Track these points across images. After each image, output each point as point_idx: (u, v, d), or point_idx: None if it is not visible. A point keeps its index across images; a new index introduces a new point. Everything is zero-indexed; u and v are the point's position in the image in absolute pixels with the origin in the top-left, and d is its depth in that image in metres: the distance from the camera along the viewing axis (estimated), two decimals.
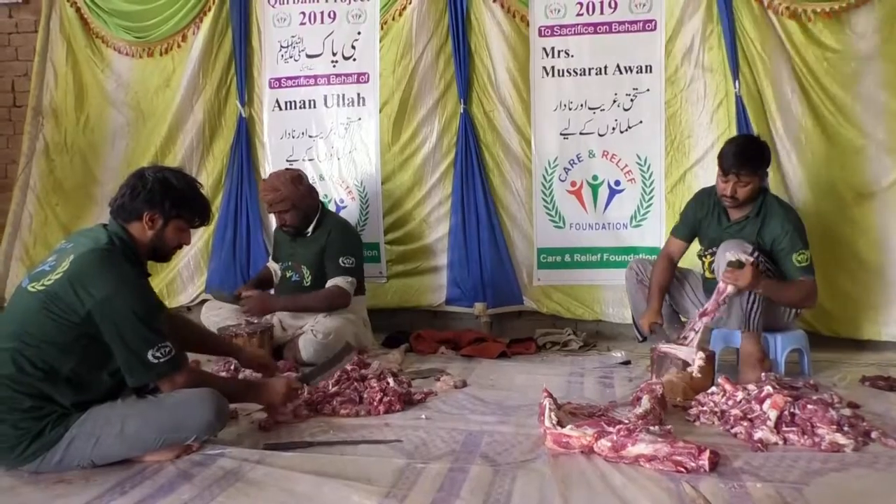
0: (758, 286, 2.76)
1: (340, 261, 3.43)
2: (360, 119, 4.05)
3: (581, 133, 3.84)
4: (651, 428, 2.09)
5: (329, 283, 3.43)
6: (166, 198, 2.09)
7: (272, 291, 3.72)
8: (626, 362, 3.30)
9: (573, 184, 3.88)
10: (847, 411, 2.31)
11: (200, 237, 4.22)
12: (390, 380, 2.64)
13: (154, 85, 4.21)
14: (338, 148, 4.09)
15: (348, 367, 2.74)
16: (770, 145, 3.53)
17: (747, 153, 2.91)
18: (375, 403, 2.49)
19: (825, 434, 2.13)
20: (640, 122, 3.78)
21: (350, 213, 4.06)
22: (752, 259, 2.71)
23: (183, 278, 4.26)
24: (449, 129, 3.94)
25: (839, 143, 3.50)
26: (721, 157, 2.97)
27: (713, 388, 2.53)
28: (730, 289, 2.77)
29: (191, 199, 2.14)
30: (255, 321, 3.46)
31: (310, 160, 4.12)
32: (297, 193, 3.45)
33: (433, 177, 3.98)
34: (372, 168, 4.05)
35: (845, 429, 2.15)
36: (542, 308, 3.94)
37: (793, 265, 2.84)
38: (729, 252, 2.80)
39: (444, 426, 2.33)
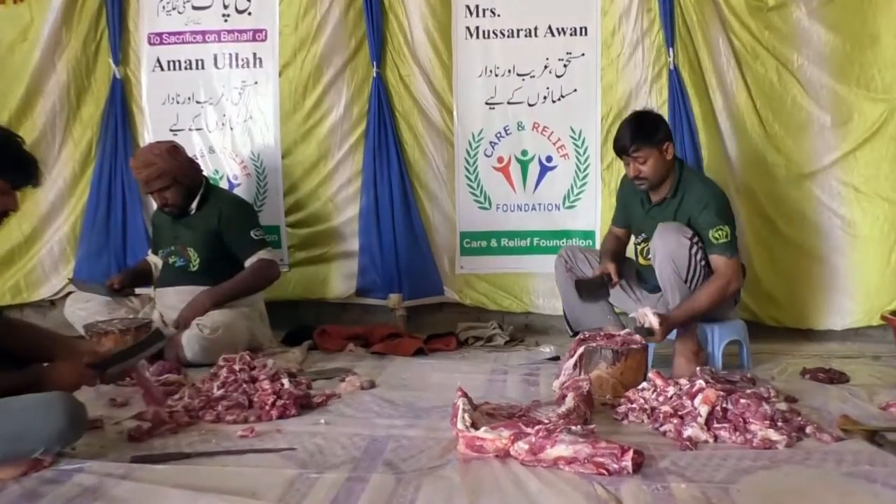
0: (674, 328, 2.91)
1: (252, 234, 3.44)
2: (256, 83, 4.00)
3: (509, 102, 3.90)
4: (573, 428, 2.15)
5: (248, 263, 3.42)
6: None
7: (152, 288, 3.63)
8: (555, 358, 3.38)
9: (500, 159, 3.93)
10: (783, 406, 2.43)
11: (66, 219, 4.09)
12: (285, 381, 2.63)
13: (7, 38, 4.03)
14: (230, 116, 4.03)
15: (237, 368, 2.71)
16: (710, 121, 3.73)
17: (632, 129, 3.02)
18: (267, 408, 2.48)
19: (757, 430, 2.23)
20: (574, 90, 3.86)
21: (245, 192, 4.01)
22: (658, 321, 2.80)
23: (45, 267, 4.12)
24: (360, 95, 3.94)
25: (780, 119, 3.68)
26: (613, 142, 3.10)
27: (644, 384, 2.62)
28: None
29: (9, 155, 2.04)
30: (131, 316, 3.39)
31: (197, 130, 4.05)
32: (177, 166, 3.38)
33: (341, 150, 3.96)
34: (270, 139, 4.00)
35: (779, 424, 2.26)
36: (465, 299, 4.00)
37: (710, 242, 2.96)
38: (634, 314, 2.93)
39: (344, 431, 2.34)
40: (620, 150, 3.06)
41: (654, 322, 2.80)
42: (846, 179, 3.66)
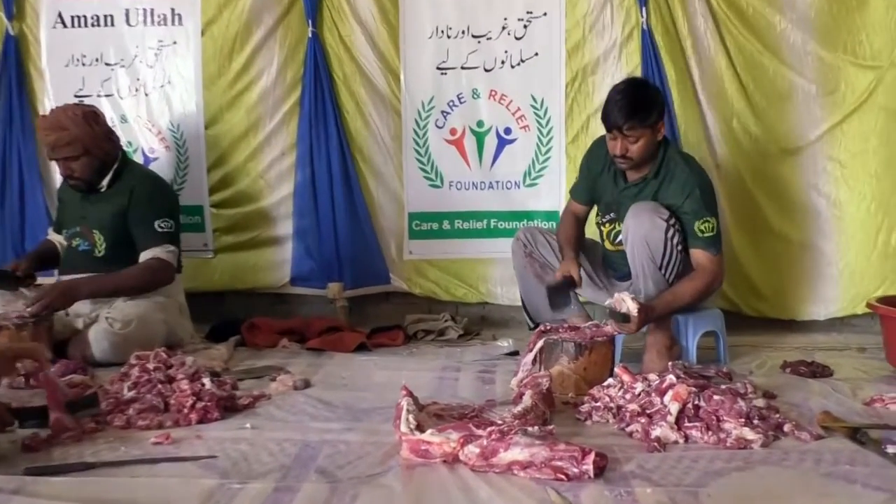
0: (652, 320, 2.92)
1: (157, 225, 3.36)
2: (175, 43, 3.96)
3: (462, 67, 3.90)
4: (529, 429, 2.17)
5: (143, 257, 3.34)
6: None
7: (55, 272, 3.56)
8: (514, 353, 3.41)
9: (453, 131, 3.95)
10: (760, 402, 2.49)
11: None
12: (207, 381, 2.61)
13: None
14: (145, 80, 3.99)
15: (151, 367, 2.69)
16: (687, 89, 3.77)
17: (631, 105, 2.99)
18: (185, 411, 2.46)
19: (731, 429, 2.28)
20: (536, 54, 3.88)
21: (163, 167, 3.96)
22: (637, 307, 2.79)
23: None
24: (294, 57, 3.91)
25: (762, 88, 3.74)
26: (603, 112, 3.07)
27: (610, 380, 2.65)
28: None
29: None
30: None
31: (107, 96, 3.99)
32: (91, 135, 3.32)
33: (273, 120, 3.94)
34: (192, 107, 3.97)
35: (755, 422, 2.32)
36: (415, 289, 4.01)
37: (694, 234, 3.00)
38: (610, 300, 2.90)
39: (274, 436, 2.33)
40: (612, 126, 3.02)
41: (632, 308, 2.80)
42: (832, 154, 3.75)
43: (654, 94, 3.11)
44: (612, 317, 2.84)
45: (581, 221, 3.40)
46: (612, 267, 3.32)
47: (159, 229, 3.36)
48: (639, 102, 3.01)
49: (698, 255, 3.00)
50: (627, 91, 3.05)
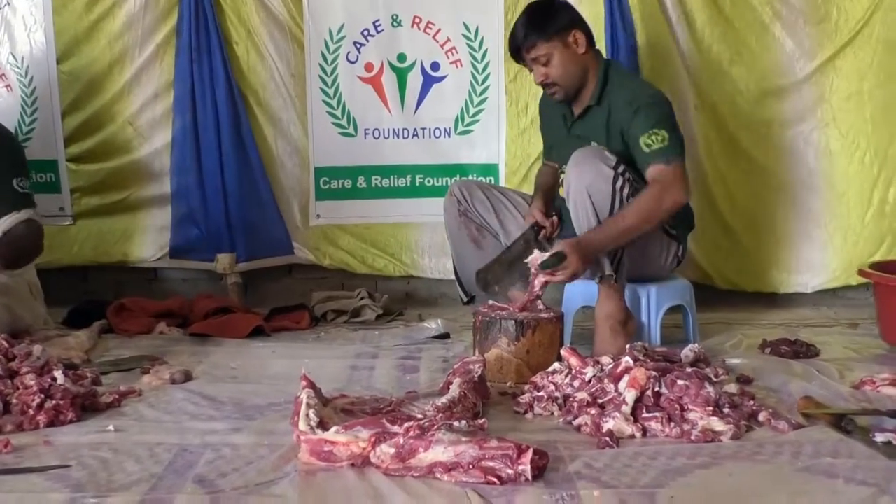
0: (593, 253, 2.91)
1: (15, 184, 3.31)
2: None
3: None
4: (455, 424, 2.18)
5: (2, 223, 3.26)
6: None
7: None
8: (444, 336, 3.44)
9: (368, 67, 3.94)
10: (733, 388, 2.55)
11: None
12: (59, 374, 2.56)
13: None
14: None
15: None
16: (654, 10, 3.78)
17: (521, 23, 3.16)
18: (31, 412, 2.42)
19: (697, 419, 2.32)
20: None
21: (6, 114, 3.86)
22: (564, 246, 2.84)
23: None
24: None
25: (739, 14, 3.80)
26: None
27: (556, 365, 2.68)
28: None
29: None
30: None
31: None
32: None
33: (144, 53, 3.90)
34: (39, 36, 3.91)
35: (725, 411, 2.37)
36: (323, 260, 4.02)
37: (641, 152, 2.99)
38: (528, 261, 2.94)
39: (143, 440, 2.31)
40: (514, 52, 3.18)
41: (559, 247, 2.84)
42: (822, 96, 3.85)
43: (548, 3, 3.21)
44: (544, 267, 2.85)
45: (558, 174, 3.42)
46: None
47: (19, 189, 3.31)
48: (530, 17, 3.15)
49: (650, 171, 2.96)
50: (521, 14, 3.21)
